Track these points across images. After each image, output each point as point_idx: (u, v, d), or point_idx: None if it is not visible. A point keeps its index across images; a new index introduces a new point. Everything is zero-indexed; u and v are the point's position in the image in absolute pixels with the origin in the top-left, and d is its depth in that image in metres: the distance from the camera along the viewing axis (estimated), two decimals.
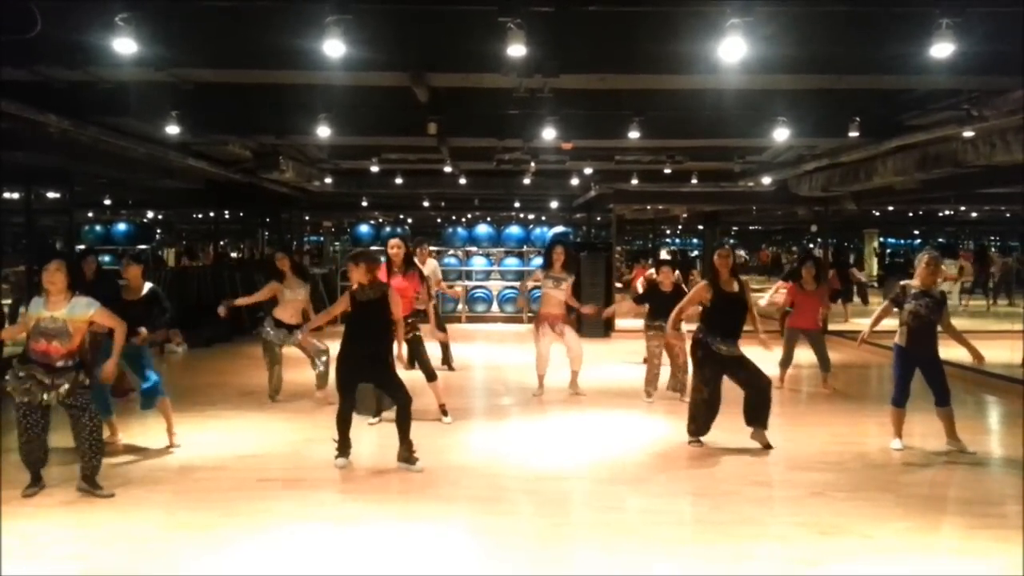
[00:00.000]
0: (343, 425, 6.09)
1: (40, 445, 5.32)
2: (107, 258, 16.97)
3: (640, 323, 9.18)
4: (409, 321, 7.27)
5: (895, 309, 6.63)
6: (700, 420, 6.72)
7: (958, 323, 6.74)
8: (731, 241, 30.92)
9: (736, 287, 6.60)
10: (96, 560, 4.35)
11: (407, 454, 5.96)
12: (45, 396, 5.19)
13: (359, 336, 5.98)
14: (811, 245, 24.41)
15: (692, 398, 6.85)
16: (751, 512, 5.20)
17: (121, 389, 8.04)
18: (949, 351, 6.74)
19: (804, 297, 9.33)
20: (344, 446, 6.09)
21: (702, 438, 6.75)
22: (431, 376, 7.43)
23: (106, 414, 6.56)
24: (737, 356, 6.55)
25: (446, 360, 10.47)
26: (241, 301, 8.45)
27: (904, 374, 6.58)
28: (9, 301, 12.14)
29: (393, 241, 7.58)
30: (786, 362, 9.38)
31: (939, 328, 6.53)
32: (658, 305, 8.47)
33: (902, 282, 6.74)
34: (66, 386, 5.20)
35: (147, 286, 6.58)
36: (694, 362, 6.74)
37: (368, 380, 6.20)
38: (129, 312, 6.28)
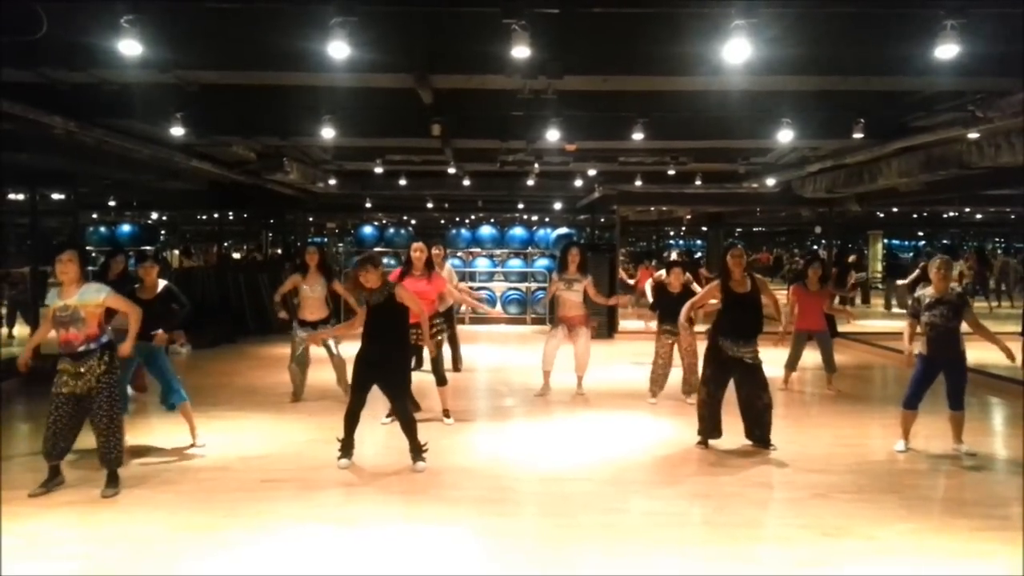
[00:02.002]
0: (350, 424, 6.09)
1: (63, 436, 5.36)
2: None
3: (643, 324, 9.17)
4: (436, 323, 7.35)
5: (915, 321, 6.48)
6: (705, 421, 6.67)
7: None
8: (735, 243, 30.85)
9: (749, 287, 6.47)
10: (99, 560, 4.37)
11: (416, 453, 6.05)
12: (77, 383, 5.28)
13: (373, 337, 5.99)
14: (815, 247, 24.40)
15: (697, 398, 6.82)
16: (754, 514, 5.20)
17: (139, 385, 8.22)
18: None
19: (809, 298, 9.29)
20: (347, 446, 6.11)
21: (710, 441, 6.70)
22: (442, 380, 7.47)
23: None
24: (748, 363, 6.43)
25: (455, 361, 10.47)
26: (278, 297, 8.39)
27: (921, 379, 6.48)
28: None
29: (416, 244, 7.49)
30: (792, 364, 9.35)
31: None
32: (668, 307, 8.41)
33: (916, 293, 6.62)
34: (95, 369, 5.28)
35: (161, 284, 6.68)
36: (704, 360, 6.69)
37: (379, 382, 6.09)
38: (144, 311, 6.29)
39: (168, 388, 6.59)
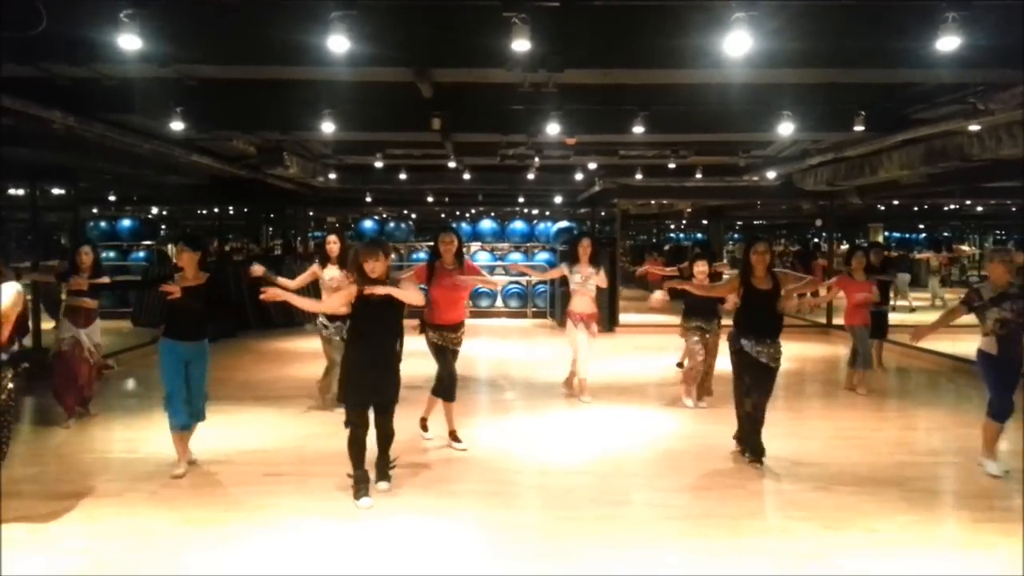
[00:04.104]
0: (357, 452, 5.26)
1: None
2: (111, 253, 17.03)
3: (646, 318, 9.11)
4: (462, 331, 6.48)
5: (965, 311, 5.85)
6: (746, 436, 6.14)
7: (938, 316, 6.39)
8: (735, 236, 30.84)
9: (770, 284, 6.01)
10: (102, 554, 4.38)
11: (382, 471, 5.44)
12: None
13: (363, 336, 5.21)
14: (815, 239, 24.36)
15: (737, 411, 6.25)
16: (755, 506, 5.21)
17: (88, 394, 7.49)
18: (957, 345, 6.67)
19: (855, 288, 8.73)
20: (363, 480, 5.24)
21: (763, 459, 6.02)
22: (449, 395, 6.48)
23: (183, 426, 5.76)
24: (771, 367, 5.95)
25: None
26: (284, 284, 7.24)
27: (1002, 383, 5.76)
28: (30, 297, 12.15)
29: (446, 236, 6.57)
30: (861, 361, 8.78)
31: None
32: (693, 302, 7.91)
33: (975, 285, 6.11)
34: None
35: (203, 275, 5.85)
36: (733, 370, 6.18)
37: (373, 395, 5.27)
38: (182, 301, 5.66)
39: (198, 392, 5.79)
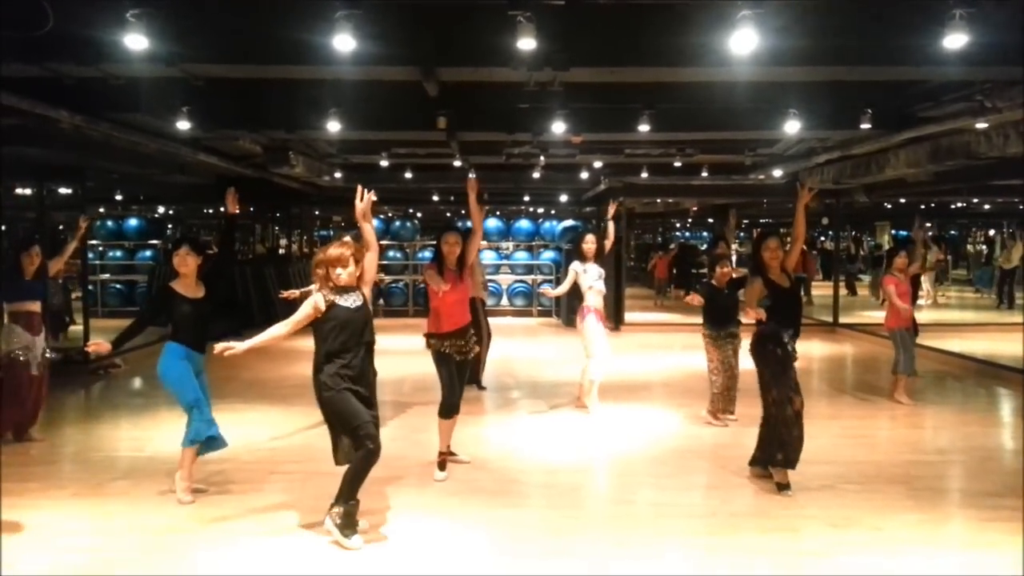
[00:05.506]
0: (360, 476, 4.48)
1: None
2: (118, 252, 17.09)
3: (650, 317, 9.05)
4: (470, 335, 5.80)
5: None
6: (787, 446, 5.36)
7: (946, 315, 6.36)
8: (740, 234, 30.76)
9: (788, 282, 5.53)
10: (107, 552, 4.40)
11: (340, 511, 4.44)
12: None
13: (345, 353, 4.44)
14: (822, 237, 24.31)
15: (771, 415, 5.48)
16: (761, 505, 5.20)
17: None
18: (964, 343, 6.66)
19: (900, 290, 8.21)
20: (349, 512, 4.46)
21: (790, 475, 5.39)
22: (452, 409, 5.80)
23: (212, 439, 5.26)
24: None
25: (474, 373, 8.73)
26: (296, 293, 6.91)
27: None
28: None
29: (451, 236, 5.85)
30: (903, 365, 8.18)
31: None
32: (716, 308, 7.24)
33: None
34: None
35: (201, 284, 5.31)
36: (770, 366, 5.44)
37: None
38: (190, 313, 5.17)
39: (190, 421, 5.19)
